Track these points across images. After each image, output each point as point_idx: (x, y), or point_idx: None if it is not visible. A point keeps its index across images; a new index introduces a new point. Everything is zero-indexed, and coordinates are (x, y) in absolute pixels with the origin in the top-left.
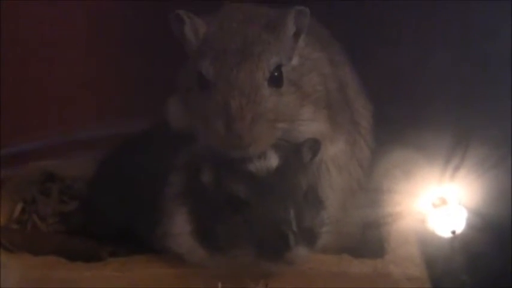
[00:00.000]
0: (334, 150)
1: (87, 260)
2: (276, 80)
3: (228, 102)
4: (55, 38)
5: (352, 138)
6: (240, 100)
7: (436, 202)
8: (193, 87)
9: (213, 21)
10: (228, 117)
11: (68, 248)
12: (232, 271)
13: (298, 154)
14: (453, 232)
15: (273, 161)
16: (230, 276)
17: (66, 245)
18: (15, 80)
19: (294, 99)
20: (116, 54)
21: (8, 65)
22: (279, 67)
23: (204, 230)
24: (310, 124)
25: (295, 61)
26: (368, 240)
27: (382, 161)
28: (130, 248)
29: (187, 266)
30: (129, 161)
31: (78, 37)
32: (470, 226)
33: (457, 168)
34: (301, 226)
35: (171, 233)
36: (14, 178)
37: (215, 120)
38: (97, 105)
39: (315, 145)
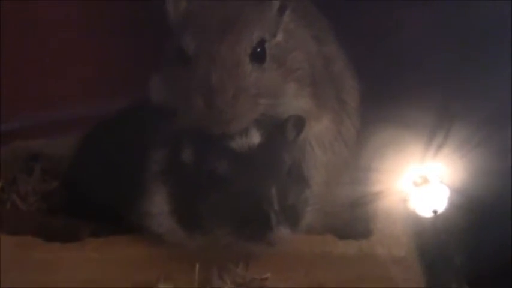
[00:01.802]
0: (318, 128)
1: (66, 239)
2: (258, 56)
3: (208, 76)
4: (41, 18)
5: (338, 116)
6: (221, 74)
7: (418, 181)
8: (174, 63)
9: None
10: (209, 91)
11: (47, 227)
12: (212, 252)
13: (281, 131)
14: (435, 212)
15: (255, 137)
16: (210, 257)
17: (45, 224)
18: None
19: (277, 75)
20: (101, 34)
21: None
22: (262, 42)
23: (184, 209)
24: (294, 101)
25: (279, 37)
26: (353, 221)
27: (365, 140)
28: (111, 227)
29: (167, 246)
30: (110, 139)
31: (65, 18)
32: (452, 204)
33: (439, 148)
34: (283, 204)
35: (150, 212)
36: None
37: (195, 95)
38: (82, 85)
39: (299, 122)
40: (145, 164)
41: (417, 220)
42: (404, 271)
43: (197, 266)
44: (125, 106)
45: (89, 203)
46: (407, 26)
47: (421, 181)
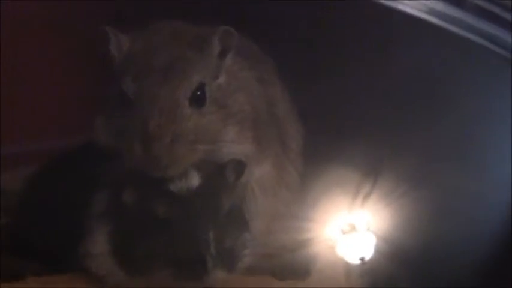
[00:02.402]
0: (260, 172)
1: (9, 276)
2: (198, 99)
3: (146, 121)
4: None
5: (280, 161)
6: (159, 120)
7: (346, 228)
8: (116, 105)
9: (138, 38)
10: (146, 137)
11: None
12: None
13: (221, 175)
14: (362, 259)
15: (194, 180)
16: None
17: None
18: None
19: (217, 118)
20: (57, 71)
21: None
22: (202, 86)
23: (124, 249)
24: (234, 145)
25: (221, 80)
26: (291, 263)
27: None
28: (53, 267)
29: (108, 287)
30: (57, 178)
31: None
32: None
33: (366, 197)
34: (220, 247)
35: (91, 252)
36: None
37: (133, 140)
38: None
39: (239, 166)
40: (88, 204)
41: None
42: None
43: None
44: (73, 146)
45: (33, 242)
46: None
47: (348, 229)
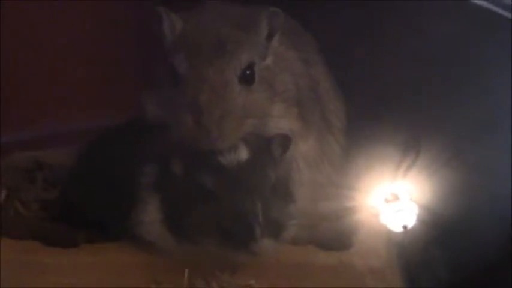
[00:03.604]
0: (304, 147)
1: (64, 245)
2: (247, 78)
3: (197, 96)
4: (41, 24)
5: (323, 136)
6: (210, 95)
7: (389, 198)
8: (167, 81)
9: (190, 18)
10: (196, 111)
11: (45, 233)
12: (199, 260)
13: (268, 149)
14: (404, 227)
15: (243, 154)
16: (198, 265)
17: (43, 230)
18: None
19: (265, 96)
20: (102, 49)
21: None
22: (251, 65)
23: (174, 218)
24: (280, 120)
25: (268, 60)
26: (334, 233)
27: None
28: (105, 235)
29: (157, 253)
30: (107, 152)
31: (68, 33)
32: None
33: (409, 168)
34: (267, 218)
35: (143, 221)
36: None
37: (184, 114)
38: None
39: (285, 141)
40: (138, 176)
41: (391, 233)
42: (382, 281)
43: (186, 271)
44: (122, 122)
45: (85, 212)
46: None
47: (392, 198)
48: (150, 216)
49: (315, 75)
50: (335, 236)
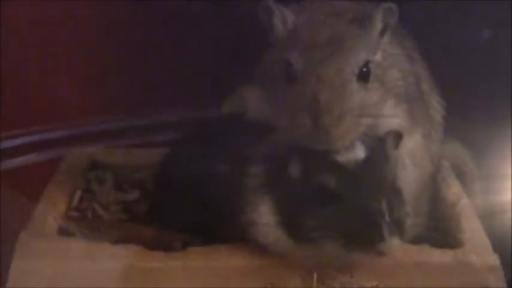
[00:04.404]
0: (411, 144)
1: (161, 249)
2: (363, 76)
3: (316, 95)
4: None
5: (428, 132)
6: (329, 94)
7: None
8: (278, 78)
9: (301, 12)
10: (316, 111)
11: (138, 237)
12: (319, 262)
13: (382, 146)
14: None
15: (360, 152)
16: (316, 267)
17: (136, 233)
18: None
19: (378, 94)
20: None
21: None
22: (367, 63)
23: (293, 221)
24: (392, 119)
25: (378, 56)
26: (442, 231)
27: None
28: (202, 238)
29: (273, 256)
30: (201, 152)
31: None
32: None
33: None
34: (391, 217)
35: (256, 222)
36: (61, 165)
37: (301, 114)
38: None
39: (398, 138)
40: (245, 176)
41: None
42: (501, 280)
43: (315, 275)
44: (212, 118)
45: (179, 214)
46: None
47: None
48: (263, 218)
49: (418, 71)
50: (447, 232)
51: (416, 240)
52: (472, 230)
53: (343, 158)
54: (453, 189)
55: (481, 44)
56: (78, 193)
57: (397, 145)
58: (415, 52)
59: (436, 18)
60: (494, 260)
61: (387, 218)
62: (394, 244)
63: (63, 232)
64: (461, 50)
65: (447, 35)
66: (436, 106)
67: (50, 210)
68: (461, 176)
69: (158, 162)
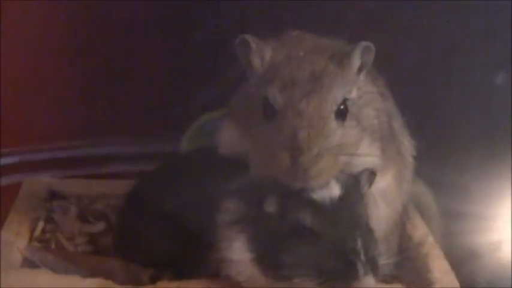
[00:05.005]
0: (383, 183)
1: (128, 282)
2: (341, 113)
3: (295, 132)
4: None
5: (400, 171)
6: (308, 132)
7: None
8: (255, 113)
9: (279, 48)
10: (295, 148)
11: (105, 269)
12: None
13: (356, 184)
14: None
15: (335, 190)
16: None
17: (103, 266)
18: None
19: (355, 132)
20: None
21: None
22: (344, 100)
23: (267, 258)
24: (366, 158)
25: (353, 94)
26: (417, 269)
27: None
28: (174, 272)
29: None
30: (170, 187)
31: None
32: None
33: None
34: (367, 256)
35: (229, 259)
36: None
37: (280, 151)
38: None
39: (371, 176)
40: (217, 212)
41: None
42: None
43: None
44: (179, 153)
45: (149, 247)
46: None
47: None
48: (237, 254)
49: (390, 110)
50: (417, 272)
51: (388, 280)
52: (440, 271)
53: (318, 195)
54: (419, 229)
55: None
56: (41, 223)
57: (370, 184)
58: (387, 90)
59: None
60: None
61: (362, 257)
62: (369, 283)
63: (27, 264)
64: None
65: None
66: (407, 145)
67: (14, 241)
68: (423, 215)
69: (123, 193)
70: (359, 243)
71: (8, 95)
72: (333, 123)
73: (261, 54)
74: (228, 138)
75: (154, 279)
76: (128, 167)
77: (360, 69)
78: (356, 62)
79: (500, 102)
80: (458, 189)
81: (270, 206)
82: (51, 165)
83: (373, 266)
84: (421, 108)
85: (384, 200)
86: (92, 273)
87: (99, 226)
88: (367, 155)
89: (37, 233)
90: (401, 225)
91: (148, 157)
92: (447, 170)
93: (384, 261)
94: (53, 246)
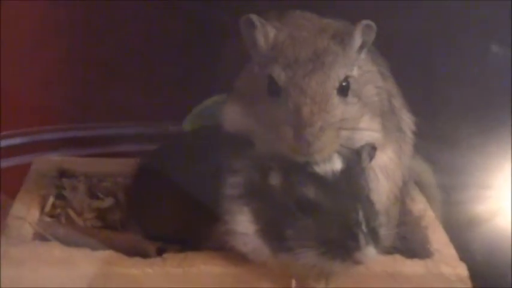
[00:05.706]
0: (383, 158)
1: (144, 255)
2: (343, 90)
3: (299, 108)
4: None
5: (400, 146)
6: (312, 107)
7: None
8: (259, 92)
9: (282, 28)
10: (299, 123)
11: (114, 243)
12: (296, 270)
13: (358, 158)
14: None
15: (338, 164)
16: (294, 275)
17: (112, 240)
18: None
19: (356, 108)
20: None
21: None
22: (346, 78)
23: (271, 230)
24: (367, 132)
25: (355, 72)
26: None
27: None
28: (181, 246)
29: (250, 264)
30: (177, 162)
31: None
32: None
33: None
34: (368, 227)
35: (235, 231)
36: (29, 172)
37: (284, 126)
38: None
39: (372, 151)
40: (223, 187)
41: None
42: None
43: (293, 282)
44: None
45: (157, 221)
46: None
47: None
48: (243, 227)
49: (390, 88)
50: (417, 244)
51: (388, 251)
52: (439, 242)
53: (321, 169)
54: (418, 203)
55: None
56: (51, 199)
57: (371, 158)
58: (387, 70)
59: None
60: (463, 270)
61: (364, 228)
62: (371, 253)
63: (38, 237)
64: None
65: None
66: (407, 121)
67: (25, 216)
68: (423, 191)
69: (130, 171)
70: (360, 214)
71: (16, 78)
72: (335, 99)
73: (265, 33)
74: (233, 116)
75: (161, 252)
76: (134, 147)
77: (361, 47)
78: (357, 40)
79: (499, 73)
80: (456, 159)
81: (274, 179)
82: (61, 145)
83: (374, 237)
84: (419, 85)
85: (385, 174)
86: (102, 246)
87: (108, 202)
88: (368, 130)
89: (47, 208)
90: (401, 199)
91: (154, 138)
92: (445, 139)
93: (385, 232)
94: (63, 221)
